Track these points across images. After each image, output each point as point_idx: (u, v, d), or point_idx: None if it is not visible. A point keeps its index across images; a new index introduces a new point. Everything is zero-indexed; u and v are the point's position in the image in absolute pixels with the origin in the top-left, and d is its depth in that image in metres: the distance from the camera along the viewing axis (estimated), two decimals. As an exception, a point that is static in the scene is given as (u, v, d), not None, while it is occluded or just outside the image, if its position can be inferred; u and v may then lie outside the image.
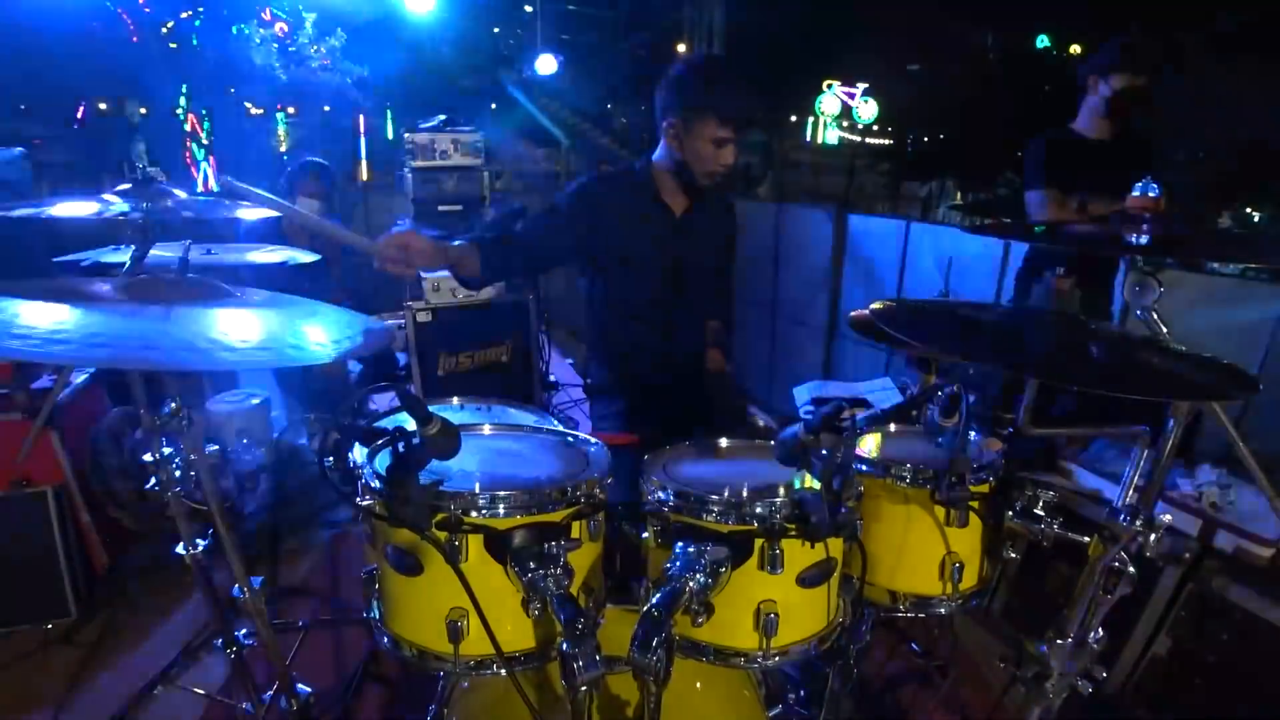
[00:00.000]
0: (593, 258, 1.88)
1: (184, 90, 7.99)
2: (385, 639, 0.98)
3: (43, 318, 0.88)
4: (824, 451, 0.93)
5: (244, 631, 1.45)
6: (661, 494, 1.00)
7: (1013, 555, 1.16)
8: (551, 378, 3.60)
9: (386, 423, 0.89)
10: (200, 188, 8.12)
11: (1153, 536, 0.94)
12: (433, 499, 0.88)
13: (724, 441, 1.22)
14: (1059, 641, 1.03)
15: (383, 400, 1.01)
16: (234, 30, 7.98)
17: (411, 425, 0.86)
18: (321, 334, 0.99)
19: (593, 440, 1.12)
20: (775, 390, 4.57)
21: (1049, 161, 2.60)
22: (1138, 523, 0.94)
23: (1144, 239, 1.03)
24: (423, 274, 2.89)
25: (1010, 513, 1.13)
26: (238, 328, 0.97)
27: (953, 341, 1.00)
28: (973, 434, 1.16)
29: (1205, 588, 1.77)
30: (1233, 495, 1.91)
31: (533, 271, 1.96)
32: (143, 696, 1.80)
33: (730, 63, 1.73)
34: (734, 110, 1.68)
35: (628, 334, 1.92)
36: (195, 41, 7.86)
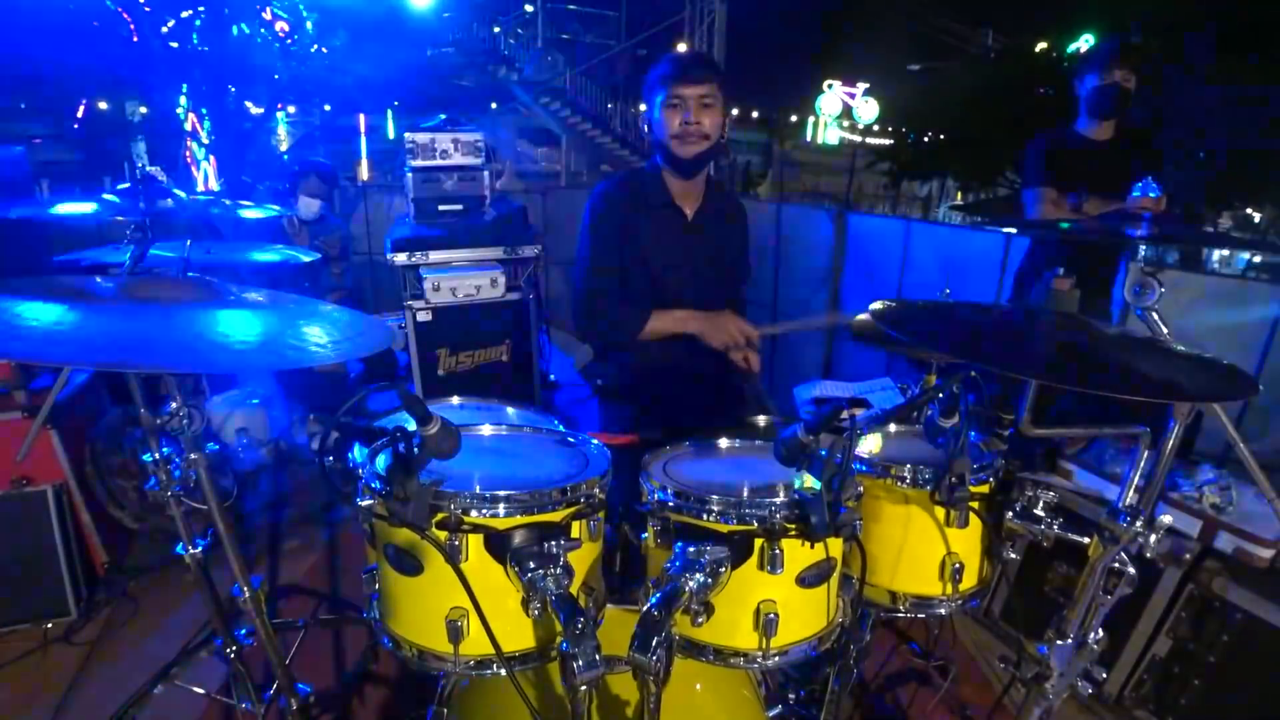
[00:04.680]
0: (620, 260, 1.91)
1: (184, 90, 7.98)
2: (385, 639, 0.98)
3: (43, 318, 0.88)
4: (824, 451, 0.93)
5: (244, 631, 1.45)
6: (661, 494, 1.00)
7: (1013, 555, 1.16)
8: (552, 378, 3.60)
9: (386, 422, 0.89)
10: (200, 187, 8.12)
11: (1153, 537, 0.94)
12: (433, 499, 0.88)
13: (724, 441, 1.22)
14: (1059, 641, 1.03)
15: (383, 400, 1.01)
16: (234, 30, 7.98)
17: (411, 425, 0.86)
18: (321, 334, 0.99)
19: (593, 440, 1.12)
20: (775, 390, 4.57)
21: (1046, 160, 2.60)
22: (1138, 523, 0.94)
23: (1143, 230, 1.03)
24: (423, 274, 2.89)
25: (1010, 513, 1.13)
26: (238, 328, 0.97)
27: (953, 342, 1.00)
28: (973, 434, 1.16)
29: (1205, 589, 1.77)
30: (1233, 496, 1.90)
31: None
32: (143, 696, 1.80)
33: (696, 52, 1.83)
34: (675, 71, 1.75)
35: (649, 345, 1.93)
36: (195, 41, 7.86)
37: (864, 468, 1.16)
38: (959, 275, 3.58)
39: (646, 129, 1.85)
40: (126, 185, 1.63)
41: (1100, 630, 1.03)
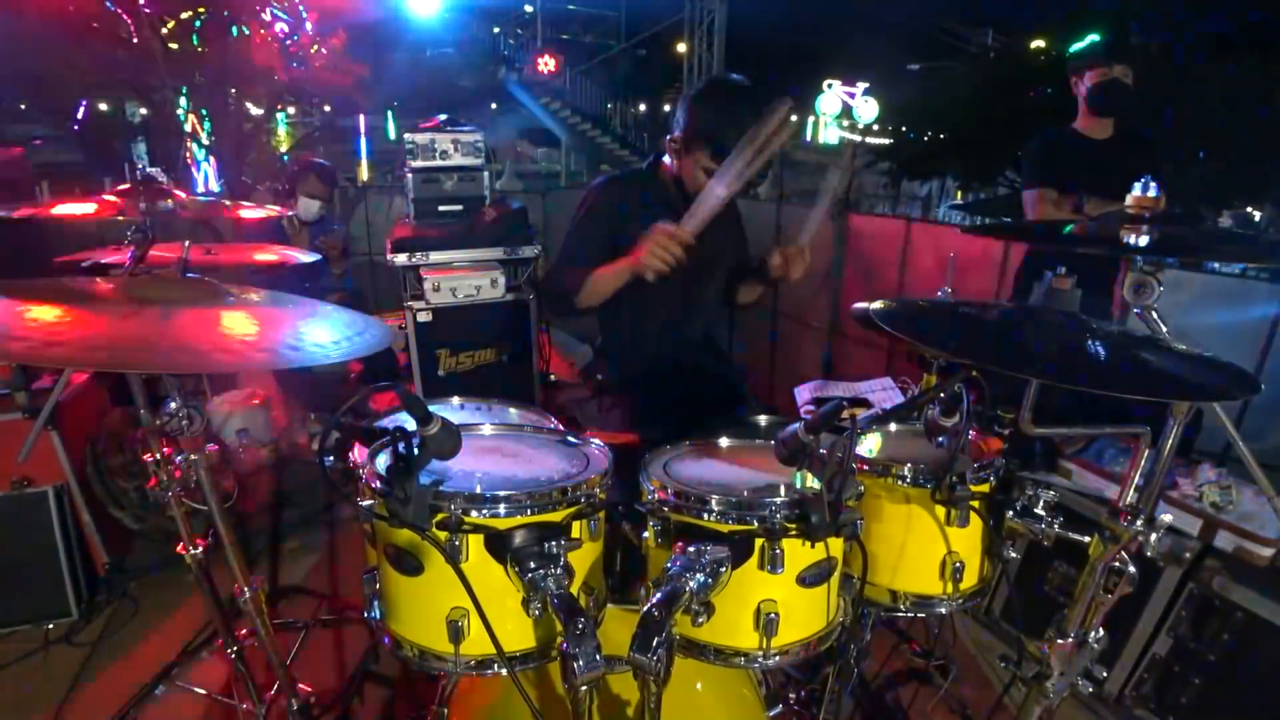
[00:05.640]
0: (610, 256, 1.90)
1: (184, 90, 7.99)
2: (385, 639, 0.98)
3: (43, 318, 0.88)
4: (824, 451, 0.93)
5: (244, 631, 1.45)
6: (661, 494, 1.00)
7: (1013, 555, 1.16)
8: (552, 378, 3.60)
9: (386, 422, 0.89)
10: (200, 188, 8.12)
11: (1153, 536, 0.94)
12: (433, 499, 0.88)
13: (724, 441, 1.22)
14: (1059, 641, 1.03)
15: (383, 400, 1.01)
16: (234, 30, 7.98)
17: (411, 425, 0.86)
18: (322, 334, 0.99)
19: (593, 440, 1.12)
20: (775, 390, 4.57)
21: (1046, 160, 2.60)
22: (1138, 522, 0.94)
23: (1143, 240, 1.03)
24: (424, 273, 2.89)
25: (1010, 512, 1.13)
26: (238, 328, 0.97)
27: (953, 341, 1.00)
28: (972, 433, 1.16)
29: (1205, 588, 1.77)
30: (1233, 494, 1.90)
31: None
32: (143, 696, 1.80)
33: (746, 96, 1.69)
34: (727, 149, 1.66)
35: (637, 332, 1.94)
36: (195, 41, 7.86)
37: (864, 467, 1.16)
38: (959, 275, 3.58)
39: (671, 142, 1.77)
40: (125, 186, 1.63)
41: (1101, 629, 1.03)
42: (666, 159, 1.88)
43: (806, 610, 0.99)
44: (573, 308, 1.84)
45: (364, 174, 13.92)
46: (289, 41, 8.43)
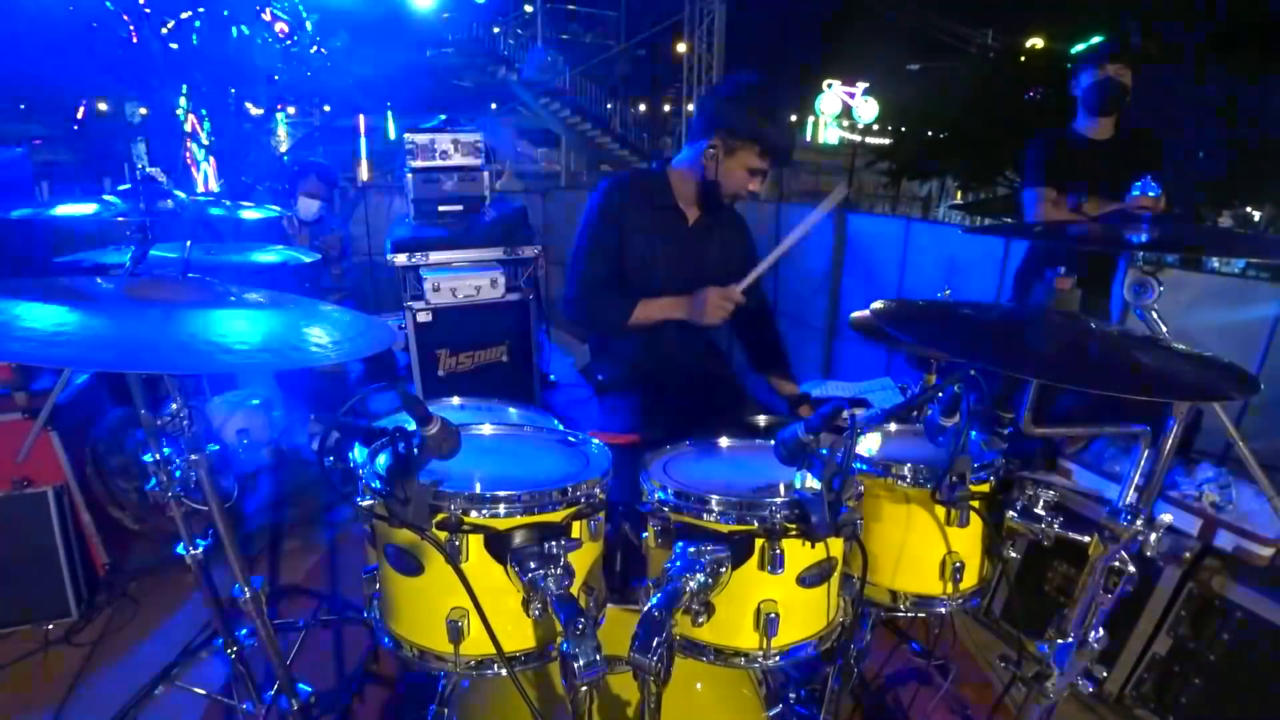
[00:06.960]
0: (619, 263, 1.91)
1: (184, 90, 7.99)
2: (386, 639, 0.98)
3: (43, 319, 0.88)
4: (824, 451, 0.93)
5: (244, 631, 1.45)
6: (661, 494, 1.00)
7: (1013, 555, 1.16)
8: (551, 378, 3.60)
9: (386, 422, 0.89)
10: (200, 188, 8.12)
11: (1153, 536, 0.94)
12: (433, 499, 0.88)
13: (724, 441, 1.22)
14: (1059, 640, 1.03)
15: (384, 400, 1.01)
16: (234, 30, 7.98)
17: (411, 425, 0.86)
18: (322, 335, 0.99)
19: (593, 440, 1.12)
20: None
21: (1045, 161, 2.60)
22: (1138, 522, 0.94)
23: (1143, 237, 1.03)
24: (423, 274, 2.89)
25: (1010, 512, 1.13)
26: (238, 329, 0.97)
27: (953, 341, 1.00)
28: (973, 434, 1.16)
29: (1205, 587, 1.77)
30: (1233, 494, 1.90)
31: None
32: (143, 696, 1.80)
33: (778, 93, 1.77)
34: (779, 148, 1.75)
35: (638, 333, 1.94)
36: (195, 41, 7.86)
37: (864, 467, 1.16)
38: (959, 275, 3.58)
39: (709, 148, 1.77)
40: (127, 186, 1.63)
41: (1101, 629, 1.03)
42: (679, 163, 1.88)
43: (806, 610, 0.99)
44: (615, 332, 1.94)
45: (364, 174, 13.91)
46: (289, 41, 8.43)
